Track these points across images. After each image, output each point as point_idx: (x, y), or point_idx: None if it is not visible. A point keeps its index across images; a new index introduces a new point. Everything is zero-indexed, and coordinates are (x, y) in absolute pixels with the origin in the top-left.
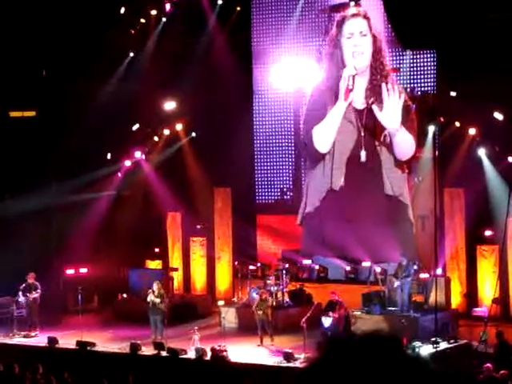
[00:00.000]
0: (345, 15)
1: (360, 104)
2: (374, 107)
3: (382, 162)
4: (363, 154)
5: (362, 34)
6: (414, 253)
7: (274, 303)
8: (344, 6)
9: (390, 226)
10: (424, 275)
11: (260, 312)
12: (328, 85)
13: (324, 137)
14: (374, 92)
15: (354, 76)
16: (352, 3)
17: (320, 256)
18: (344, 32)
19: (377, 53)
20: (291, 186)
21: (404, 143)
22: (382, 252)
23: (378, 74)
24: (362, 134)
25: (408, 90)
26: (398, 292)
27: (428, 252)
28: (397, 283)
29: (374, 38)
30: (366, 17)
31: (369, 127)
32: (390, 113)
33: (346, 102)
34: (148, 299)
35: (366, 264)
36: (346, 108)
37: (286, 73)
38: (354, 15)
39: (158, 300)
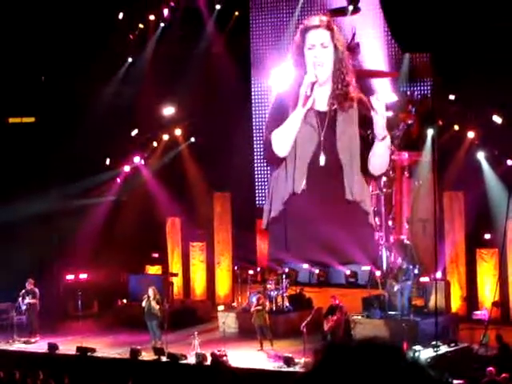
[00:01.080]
0: (307, 25)
1: (322, 107)
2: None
3: (343, 168)
4: (322, 159)
5: (323, 45)
6: (375, 259)
7: (274, 308)
8: (343, 10)
9: (351, 231)
10: (424, 279)
11: (258, 317)
12: (291, 91)
13: (282, 141)
14: (337, 100)
15: (313, 83)
16: (351, 7)
17: (288, 261)
18: (306, 42)
19: (338, 63)
20: None
21: (380, 157)
22: (348, 254)
23: (339, 83)
24: (322, 138)
25: (408, 93)
26: (398, 296)
27: (429, 255)
28: (397, 287)
29: (336, 48)
30: (329, 28)
31: (329, 131)
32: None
33: (304, 108)
34: (143, 304)
35: (366, 268)
36: (304, 113)
37: (285, 77)
38: (316, 26)
39: (154, 305)
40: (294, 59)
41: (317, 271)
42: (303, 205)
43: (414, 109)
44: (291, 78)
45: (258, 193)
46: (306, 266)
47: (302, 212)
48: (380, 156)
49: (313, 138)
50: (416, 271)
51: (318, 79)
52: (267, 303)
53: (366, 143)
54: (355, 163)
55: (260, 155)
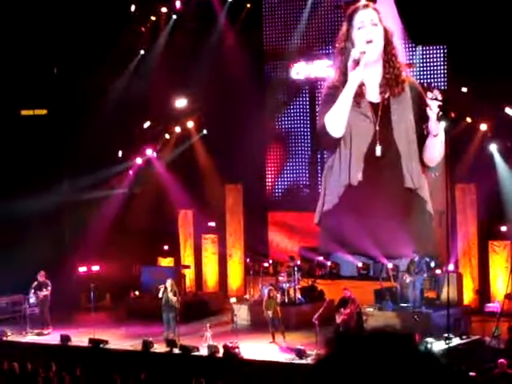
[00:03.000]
0: (355, 7)
1: (375, 98)
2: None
3: (402, 155)
4: (378, 149)
5: (372, 22)
6: (433, 247)
7: (286, 300)
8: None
9: (409, 220)
10: (436, 271)
11: (269, 311)
12: (340, 80)
13: (336, 120)
14: (388, 86)
15: (362, 53)
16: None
17: (339, 254)
18: (355, 23)
19: (388, 45)
20: (307, 183)
21: (433, 150)
22: (402, 248)
23: (390, 67)
24: (377, 128)
25: (425, 85)
26: (410, 288)
27: (445, 248)
28: (409, 279)
29: (385, 30)
30: (375, 9)
31: (384, 121)
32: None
33: (354, 72)
34: (160, 295)
35: (384, 261)
36: (357, 101)
37: (298, 68)
38: (364, 6)
39: (172, 297)
40: (341, 47)
41: (360, 264)
42: (360, 197)
43: (434, 101)
44: (337, 66)
45: (270, 185)
46: (356, 260)
47: (358, 204)
48: (434, 149)
49: (368, 130)
50: (433, 264)
51: (366, 52)
52: (278, 295)
53: (421, 132)
54: (413, 150)
55: (272, 147)
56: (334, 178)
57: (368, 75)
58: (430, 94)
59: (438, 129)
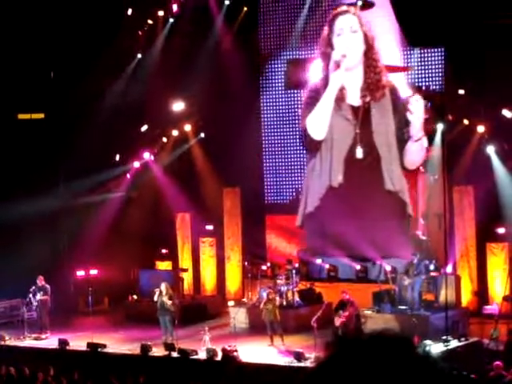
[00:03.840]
0: (336, 13)
1: (356, 102)
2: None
3: (382, 158)
4: (359, 151)
5: (352, 29)
6: (410, 250)
7: (285, 303)
8: (352, 5)
9: (391, 222)
10: (433, 273)
11: (268, 313)
12: (322, 84)
13: (317, 123)
14: (369, 90)
15: (343, 56)
16: (360, 2)
17: (328, 256)
18: (335, 29)
19: (369, 50)
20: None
21: (414, 155)
22: (390, 248)
23: (371, 72)
24: (358, 131)
25: (424, 88)
26: (408, 290)
27: (443, 250)
28: (408, 281)
29: (366, 35)
30: (356, 15)
31: (365, 124)
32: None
33: (335, 73)
34: (155, 299)
35: (377, 262)
36: (339, 105)
37: (295, 71)
38: (343, 12)
39: (167, 301)
40: (322, 51)
41: (358, 267)
42: (341, 198)
43: (430, 104)
44: (320, 70)
45: (268, 188)
46: (346, 261)
47: (339, 206)
48: (414, 154)
49: (348, 132)
50: (432, 267)
51: (347, 55)
52: (277, 298)
53: (401, 137)
54: (393, 153)
55: (269, 151)
56: (315, 180)
57: (349, 79)
58: (415, 97)
59: (420, 133)
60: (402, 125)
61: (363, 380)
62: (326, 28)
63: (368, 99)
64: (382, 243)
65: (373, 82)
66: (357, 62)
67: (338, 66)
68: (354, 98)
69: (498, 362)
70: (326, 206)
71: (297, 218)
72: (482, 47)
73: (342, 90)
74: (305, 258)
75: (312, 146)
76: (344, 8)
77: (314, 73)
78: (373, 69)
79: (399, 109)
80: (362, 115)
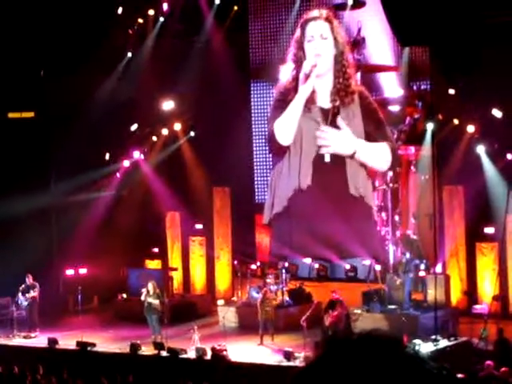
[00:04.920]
0: (307, 18)
1: (326, 104)
2: (342, 125)
3: (346, 163)
4: (327, 155)
5: (322, 37)
6: (379, 254)
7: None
8: (343, 6)
9: (355, 226)
10: (422, 273)
11: (265, 311)
12: (291, 86)
13: (284, 129)
14: (339, 95)
15: (313, 66)
16: (350, 1)
17: (293, 256)
18: (306, 35)
19: (339, 55)
20: None
21: (377, 156)
22: (350, 249)
23: (340, 76)
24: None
25: (415, 87)
26: (400, 289)
27: (432, 250)
28: (399, 281)
29: (336, 40)
30: (328, 20)
31: (334, 127)
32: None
33: (305, 85)
34: (142, 298)
35: (366, 262)
36: (309, 107)
37: (285, 72)
38: (314, 18)
39: (153, 300)
40: (293, 53)
41: (316, 266)
42: (308, 201)
43: (421, 103)
44: (290, 73)
45: (258, 187)
46: (308, 260)
47: (306, 208)
48: (375, 155)
49: (317, 135)
50: (423, 266)
51: (317, 64)
52: (275, 296)
53: (370, 139)
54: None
55: (259, 150)
56: (283, 180)
57: (319, 83)
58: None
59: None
60: (372, 129)
61: (352, 380)
62: (298, 31)
63: (337, 103)
64: (345, 245)
65: (342, 87)
66: (327, 68)
67: (307, 76)
68: (324, 101)
69: (489, 362)
70: (294, 208)
71: (263, 217)
72: (472, 46)
73: (312, 93)
74: (276, 258)
75: (278, 151)
76: (315, 14)
77: (284, 73)
78: (342, 74)
79: (368, 111)
80: (332, 118)
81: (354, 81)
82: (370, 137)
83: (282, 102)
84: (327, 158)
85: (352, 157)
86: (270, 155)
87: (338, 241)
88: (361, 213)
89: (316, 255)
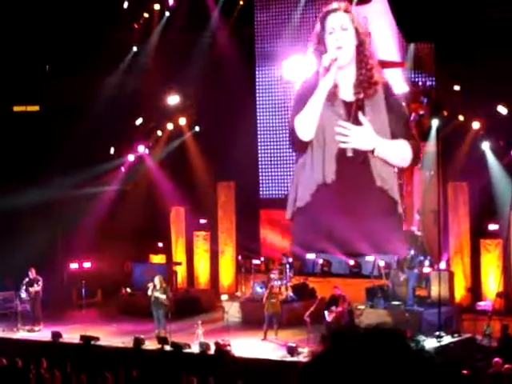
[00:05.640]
0: (326, 11)
1: (348, 97)
2: (364, 121)
3: (370, 157)
4: (349, 149)
5: (342, 27)
6: (402, 248)
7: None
8: (346, 1)
9: (382, 219)
10: (426, 269)
11: (271, 305)
12: (313, 80)
13: (305, 124)
14: (362, 87)
15: (333, 60)
16: None
17: (317, 251)
18: (326, 28)
19: (360, 45)
20: None
21: (397, 153)
22: (381, 244)
23: (362, 67)
24: (350, 129)
25: (420, 83)
26: (405, 286)
27: (437, 246)
28: (403, 277)
29: (357, 31)
30: (347, 11)
31: (357, 121)
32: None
33: (325, 79)
34: (149, 293)
35: (370, 258)
36: (331, 101)
37: (290, 67)
38: (334, 10)
39: (160, 295)
40: (314, 48)
41: (320, 261)
42: (332, 195)
43: (426, 99)
44: (312, 68)
45: (263, 182)
46: (337, 256)
47: (331, 202)
48: (397, 152)
49: (340, 129)
50: (427, 262)
51: (337, 58)
52: (284, 292)
53: (395, 134)
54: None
55: (264, 145)
56: (306, 175)
57: (342, 76)
58: None
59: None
60: (396, 126)
61: (359, 374)
62: (317, 25)
63: (361, 96)
64: (373, 239)
65: (365, 78)
66: (349, 59)
67: (327, 70)
68: (347, 94)
69: (497, 359)
70: (317, 202)
71: (286, 212)
72: (477, 43)
73: (334, 87)
74: (298, 253)
75: (300, 146)
76: (335, 6)
77: (306, 68)
78: (364, 65)
79: (393, 105)
80: (355, 111)
81: (376, 71)
82: (393, 133)
83: (303, 97)
84: (350, 153)
85: (372, 152)
86: (277, 150)
87: (368, 235)
88: (386, 206)
89: (346, 251)
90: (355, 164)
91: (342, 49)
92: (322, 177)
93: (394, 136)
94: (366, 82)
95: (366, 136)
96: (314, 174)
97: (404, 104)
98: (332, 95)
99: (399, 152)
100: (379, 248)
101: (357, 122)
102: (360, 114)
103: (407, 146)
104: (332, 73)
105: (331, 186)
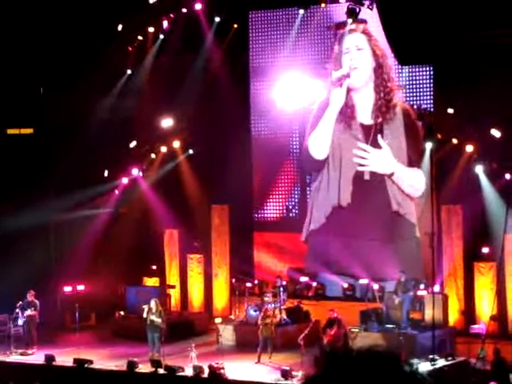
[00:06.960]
0: (343, 32)
1: (367, 120)
2: (383, 144)
3: (386, 180)
4: (367, 172)
5: (357, 48)
6: (419, 271)
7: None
8: (346, 24)
9: (397, 244)
10: (421, 292)
11: (265, 329)
12: (326, 101)
13: (319, 141)
14: (381, 111)
15: (344, 76)
16: (349, 20)
17: (324, 274)
18: (343, 48)
19: (379, 68)
20: (296, 204)
21: (412, 182)
22: (388, 271)
23: (381, 91)
24: (369, 152)
25: (415, 106)
26: (399, 309)
27: (431, 269)
28: (397, 300)
29: (374, 52)
30: (364, 32)
31: (375, 144)
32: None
33: (335, 95)
34: (144, 315)
35: (364, 281)
36: (346, 122)
37: (284, 89)
38: (351, 31)
39: (156, 318)
40: (332, 69)
41: (345, 285)
42: (348, 218)
43: (421, 122)
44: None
45: (258, 205)
46: (340, 280)
47: (346, 225)
48: (416, 182)
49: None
50: (422, 286)
51: (350, 74)
52: (278, 315)
53: (412, 159)
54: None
55: (258, 168)
56: (322, 197)
57: (359, 99)
58: None
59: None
60: (413, 153)
61: None
62: (336, 47)
63: (380, 120)
64: (385, 264)
65: (383, 102)
66: (365, 80)
67: (339, 85)
68: (365, 117)
69: (493, 383)
70: (332, 225)
71: (302, 234)
72: (471, 66)
73: (352, 108)
74: (294, 277)
75: (315, 166)
76: (352, 26)
77: (321, 91)
78: (383, 88)
79: (411, 131)
80: (373, 135)
81: (395, 95)
82: (410, 159)
83: (318, 117)
84: (367, 176)
85: (390, 176)
86: (272, 173)
87: (377, 260)
88: (402, 230)
89: (352, 274)
90: (372, 187)
91: (357, 69)
92: (338, 199)
93: (410, 162)
94: (384, 106)
95: (385, 160)
96: (329, 197)
97: (420, 132)
98: (349, 117)
99: (414, 181)
100: (389, 273)
101: (375, 145)
102: (379, 138)
103: (423, 176)
104: (343, 89)
105: (346, 208)
